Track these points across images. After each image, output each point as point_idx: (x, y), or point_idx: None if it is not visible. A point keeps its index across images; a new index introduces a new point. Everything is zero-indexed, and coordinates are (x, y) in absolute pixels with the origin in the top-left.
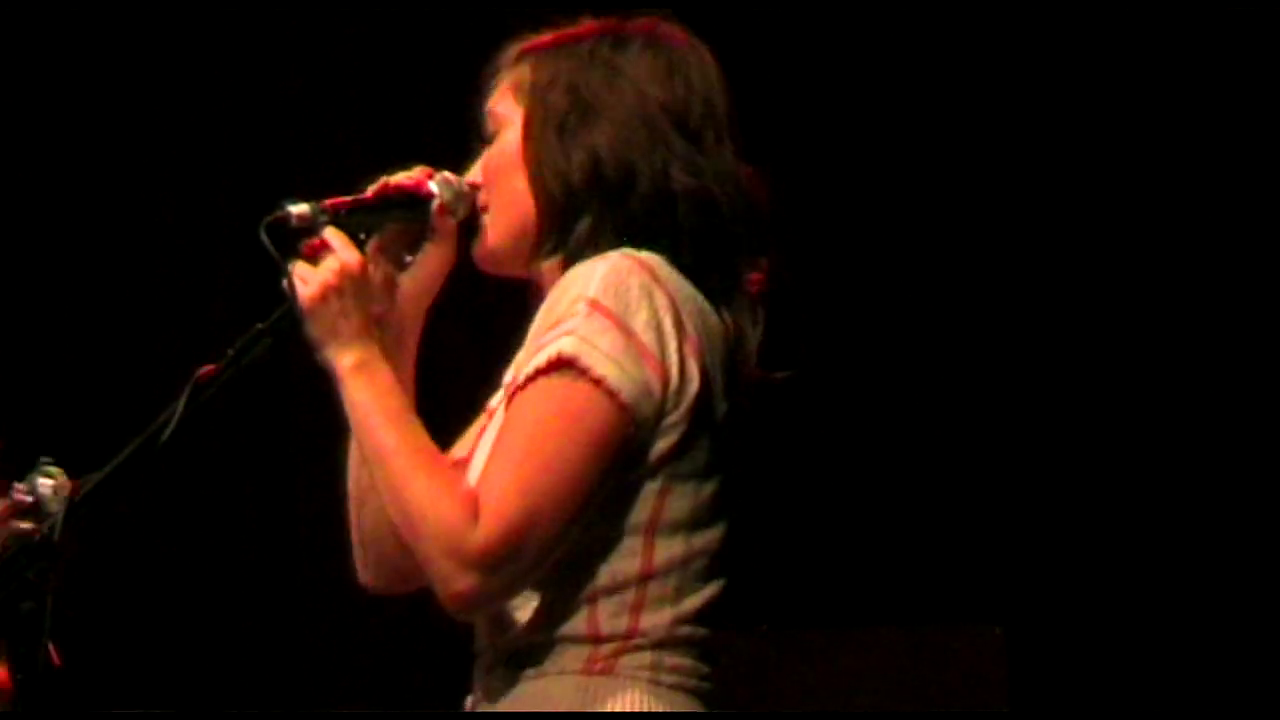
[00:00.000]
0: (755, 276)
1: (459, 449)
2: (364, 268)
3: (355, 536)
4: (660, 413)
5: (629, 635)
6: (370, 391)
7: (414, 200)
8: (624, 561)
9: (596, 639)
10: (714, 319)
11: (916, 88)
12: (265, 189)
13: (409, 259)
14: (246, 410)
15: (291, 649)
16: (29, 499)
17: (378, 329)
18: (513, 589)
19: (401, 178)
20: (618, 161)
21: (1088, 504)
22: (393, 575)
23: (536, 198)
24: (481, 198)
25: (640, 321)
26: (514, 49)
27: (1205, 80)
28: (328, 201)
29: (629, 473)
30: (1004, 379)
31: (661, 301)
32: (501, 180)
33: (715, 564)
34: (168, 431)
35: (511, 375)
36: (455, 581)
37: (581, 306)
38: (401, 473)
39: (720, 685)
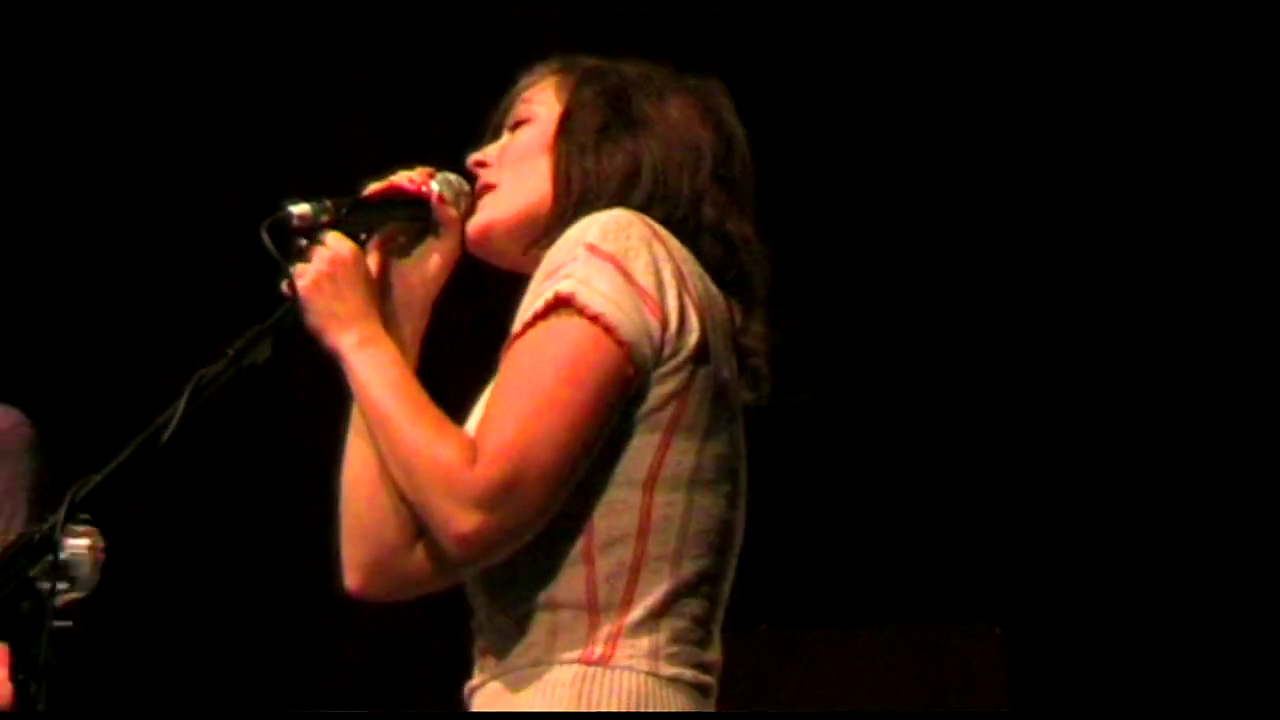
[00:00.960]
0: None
1: (469, 426)
2: (357, 256)
3: (346, 533)
4: (659, 356)
5: (626, 604)
6: (373, 363)
7: (415, 200)
8: (621, 515)
9: (593, 608)
10: (716, 290)
11: (918, 98)
12: (265, 189)
13: (411, 255)
14: (247, 411)
15: (291, 649)
16: (60, 555)
17: (380, 318)
18: (517, 530)
19: (403, 178)
20: (655, 176)
21: (1087, 504)
22: (384, 578)
23: (556, 190)
24: (489, 177)
25: (639, 265)
26: (561, 59)
27: (1205, 80)
28: (328, 201)
29: (626, 419)
30: (1003, 380)
31: (661, 252)
32: (522, 165)
33: (717, 532)
34: (168, 432)
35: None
36: (457, 522)
37: (580, 251)
38: (401, 428)
39: (721, 677)
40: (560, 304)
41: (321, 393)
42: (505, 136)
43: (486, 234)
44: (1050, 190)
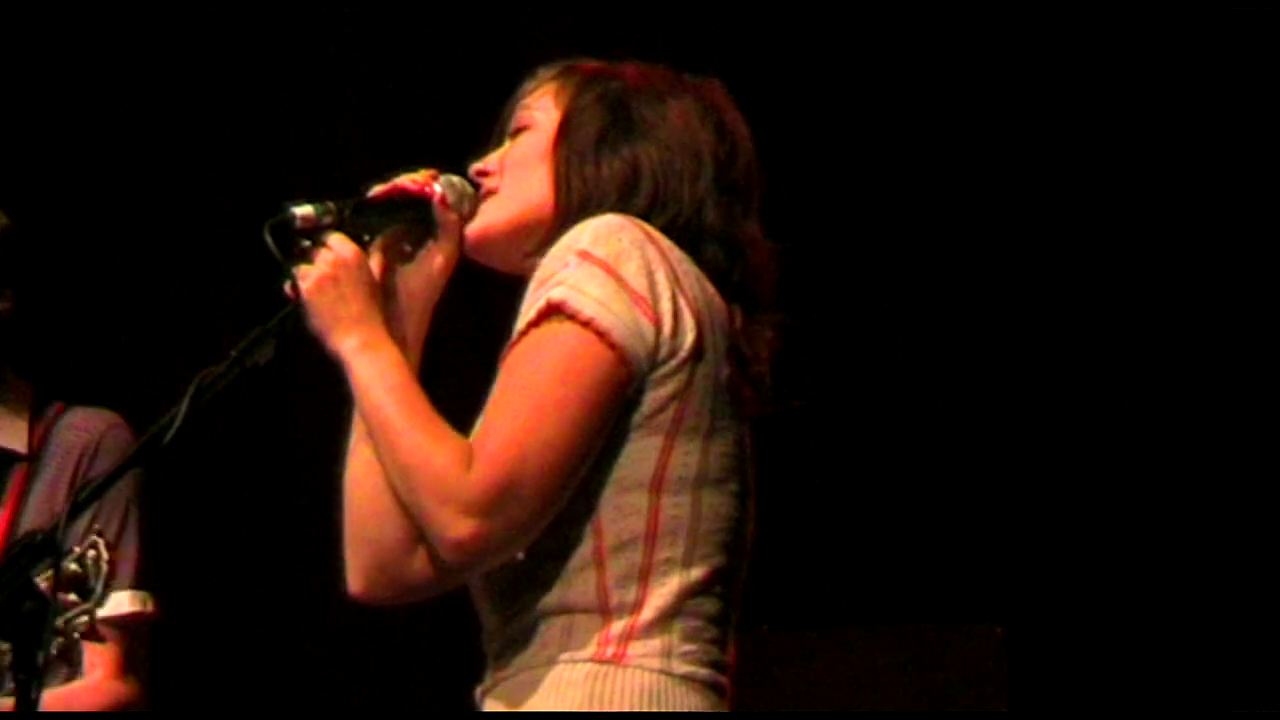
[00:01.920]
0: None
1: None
2: (360, 258)
3: (349, 537)
4: (654, 359)
5: (638, 606)
6: (374, 367)
7: (418, 202)
8: (630, 519)
9: (605, 610)
10: (713, 291)
11: (918, 101)
12: (265, 189)
13: (413, 258)
14: (249, 412)
15: (293, 650)
16: (77, 569)
17: (382, 321)
18: (512, 536)
19: (406, 180)
20: (654, 182)
21: (1088, 504)
22: (387, 582)
23: (556, 197)
24: (490, 183)
25: (631, 268)
26: (561, 64)
27: (1205, 80)
28: (331, 203)
29: (627, 422)
30: (1003, 380)
31: (654, 255)
32: (522, 172)
33: (727, 530)
34: (170, 433)
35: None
36: (452, 528)
37: (572, 258)
38: (399, 433)
39: (740, 673)
40: (552, 311)
41: (323, 394)
42: (507, 144)
43: (484, 240)
44: (1050, 191)
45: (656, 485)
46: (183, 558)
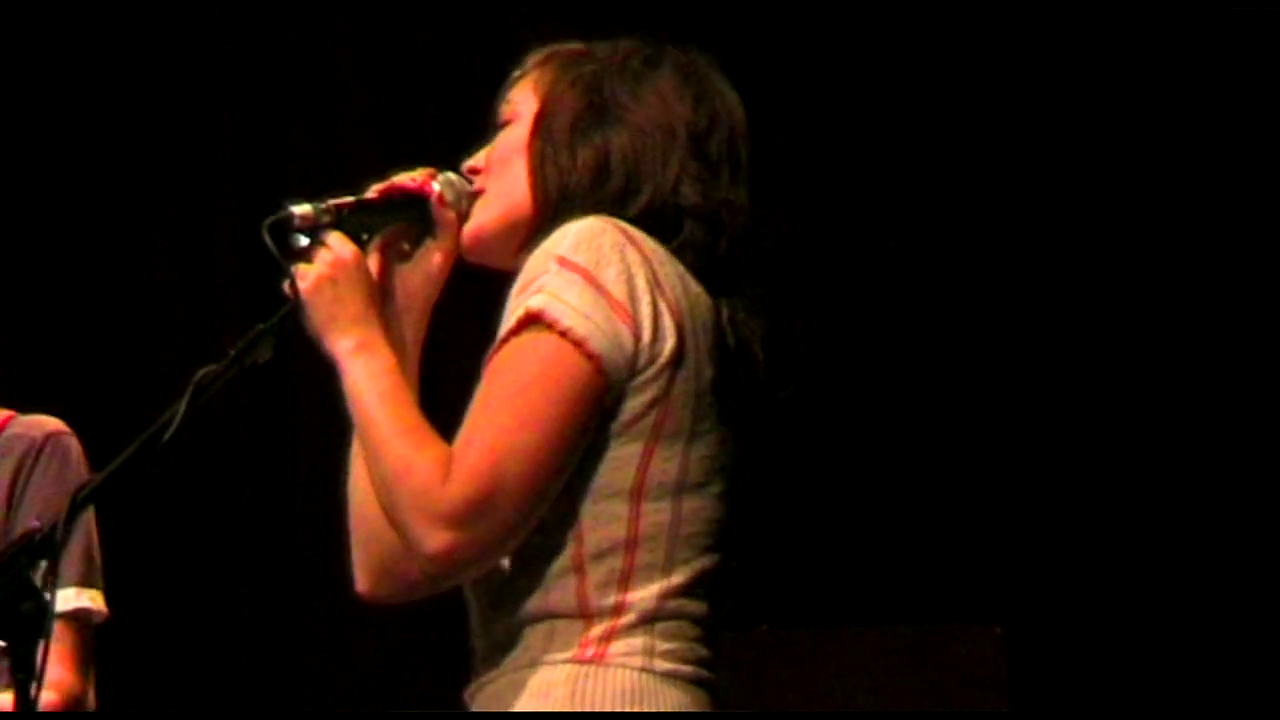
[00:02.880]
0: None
1: None
2: (359, 259)
3: (354, 537)
4: (633, 367)
5: (619, 609)
6: (366, 371)
7: (416, 201)
8: (610, 526)
9: (586, 615)
10: (697, 289)
11: (917, 89)
12: (265, 189)
13: (412, 257)
14: (248, 411)
15: (293, 649)
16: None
17: (380, 322)
18: (489, 548)
19: (405, 178)
20: (626, 167)
21: (1088, 504)
22: (391, 581)
23: (534, 190)
24: (480, 181)
25: (611, 275)
26: (544, 51)
27: (1205, 80)
28: (330, 202)
29: (606, 430)
30: (1003, 380)
31: (634, 258)
32: (503, 168)
33: (709, 533)
34: (169, 432)
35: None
36: (430, 540)
37: (552, 264)
38: (384, 441)
39: (721, 674)
40: (531, 320)
41: (323, 392)
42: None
43: (477, 242)
44: (1051, 187)
45: (636, 492)
46: (182, 558)
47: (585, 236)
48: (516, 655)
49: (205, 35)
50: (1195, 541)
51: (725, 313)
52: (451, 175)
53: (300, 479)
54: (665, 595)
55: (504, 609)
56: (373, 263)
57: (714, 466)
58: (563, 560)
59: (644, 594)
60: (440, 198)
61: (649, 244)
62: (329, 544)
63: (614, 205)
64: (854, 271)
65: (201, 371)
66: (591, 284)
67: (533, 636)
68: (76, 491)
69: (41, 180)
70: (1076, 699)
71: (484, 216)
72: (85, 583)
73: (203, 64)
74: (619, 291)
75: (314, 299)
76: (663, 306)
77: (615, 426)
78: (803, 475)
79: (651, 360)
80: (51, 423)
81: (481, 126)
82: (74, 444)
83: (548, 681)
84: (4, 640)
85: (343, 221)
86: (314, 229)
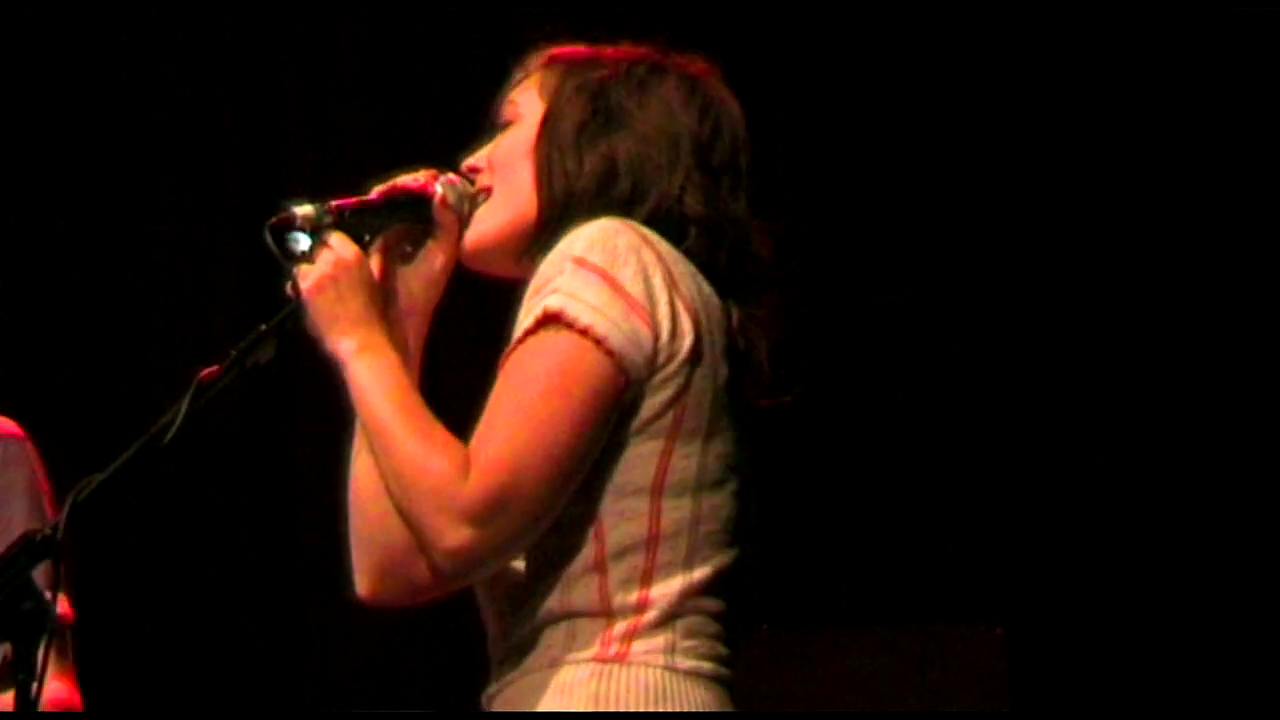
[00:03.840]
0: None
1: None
2: (361, 259)
3: (354, 539)
4: (652, 365)
5: (640, 607)
6: (372, 371)
7: (418, 202)
8: (631, 524)
9: (608, 613)
10: (709, 290)
11: (916, 90)
12: (265, 189)
13: (414, 259)
14: (249, 412)
15: (294, 650)
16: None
17: (383, 322)
18: (506, 546)
19: (407, 179)
20: (632, 175)
21: (1088, 504)
22: (393, 583)
23: (539, 196)
24: (481, 180)
25: (627, 274)
26: (548, 51)
27: (1205, 80)
28: (332, 202)
29: (626, 428)
30: (1004, 379)
31: (650, 258)
32: (508, 171)
33: (727, 530)
34: (170, 433)
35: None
36: (447, 537)
37: (568, 265)
38: (396, 438)
39: (741, 673)
40: (549, 319)
41: (324, 394)
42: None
43: (479, 251)
44: (1051, 185)
45: (657, 489)
46: (182, 558)
47: (600, 237)
48: (537, 655)
49: (205, 34)
50: (1195, 541)
51: (735, 315)
52: (454, 177)
53: (300, 479)
54: (686, 593)
55: (524, 609)
56: (374, 264)
57: (730, 464)
58: (584, 559)
59: (665, 591)
60: (442, 199)
61: (663, 244)
62: (329, 544)
63: (619, 212)
64: (854, 272)
65: (202, 373)
66: (609, 283)
67: (554, 636)
68: (77, 492)
69: (42, 180)
70: (1076, 699)
71: (488, 223)
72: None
73: (203, 63)
74: (636, 290)
75: (316, 299)
76: (680, 305)
77: (635, 424)
78: (803, 475)
79: (670, 358)
80: (6, 424)
81: (481, 126)
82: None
83: (570, 681)
84: (5, 640)
85: (344, 222)
86: (315, 230)
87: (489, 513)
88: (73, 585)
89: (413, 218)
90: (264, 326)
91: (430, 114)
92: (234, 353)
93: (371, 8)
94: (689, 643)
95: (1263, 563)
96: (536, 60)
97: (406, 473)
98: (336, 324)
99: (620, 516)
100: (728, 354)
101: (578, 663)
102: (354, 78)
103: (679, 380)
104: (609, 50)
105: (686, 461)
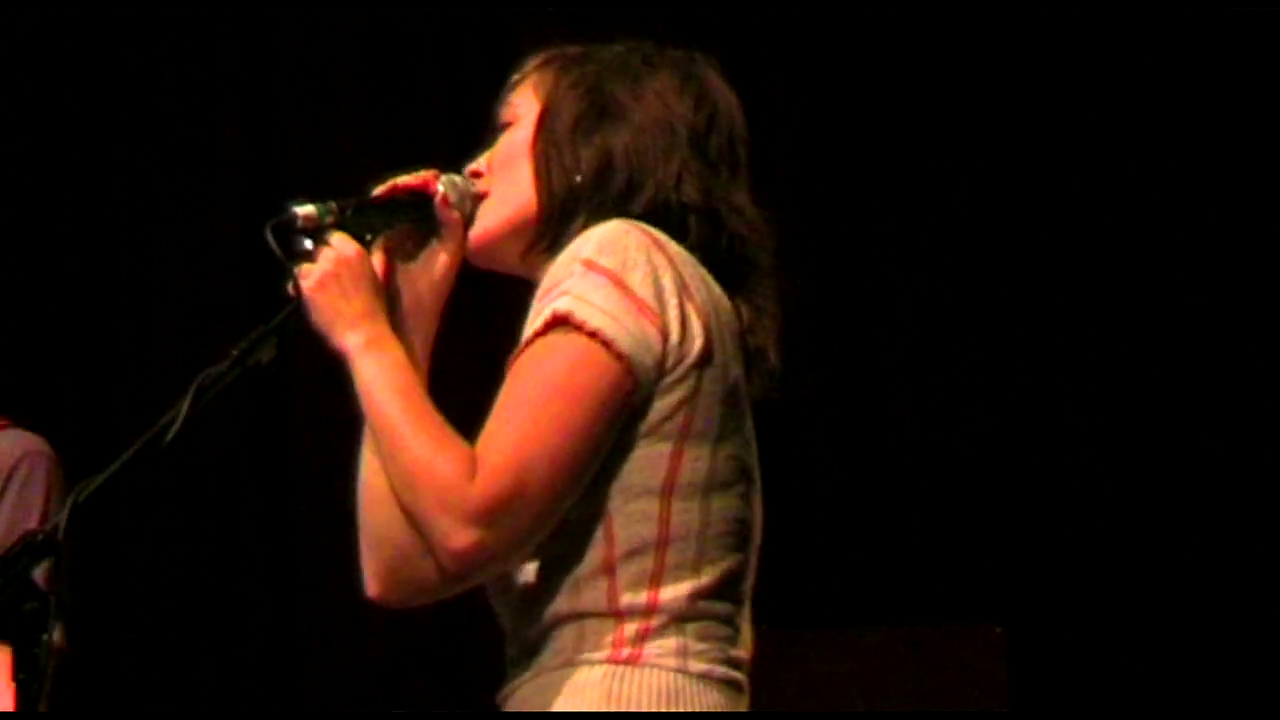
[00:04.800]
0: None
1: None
2: (363, 256)
3: (364, 539)
4: (662, 368)
5: (650, 609)
6: (377, 367)
7: (420, 201)
8: (641, 526)
9: (617, 614)
10: (719, 291)
11: (921, 93)
12: (265, 189)
13: (416, 259)
14: (250, 412)
15: (295, 650)
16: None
17: (386, 319)
18: (513, 547)
19: (408, 179)
20: (629, 166)
21: (1088, 504)
22: (403, 584)
23: (539, 192)
24: (482, 184)
25: (637, 277)
26: (544, 53)
27: (1206, 80)
28: (333, 202)
29: (635, 430)
30: (1003, 379)
31: (660, 260)
32: (507, 170)
33: (736, 533)
34: (171, 433)
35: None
36: (454, 538)
37: (577, 267)
38: (403, 437)
39: (753, 676)
40: (558, 321)
41: (325, 394)
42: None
43: (483, 247)
44: (1051, 185)
45: (667, 491)
46: (182, 558)
47: (610, 240)
48: (548, 656)
49: (205, 35)
50: (1195, 541)
51: (745, 315)
52: (455, 176)
53: (300, 479)
54: (696, 595)
55: (534, 611)
56: (377, 263)
57: (739, 466)
58: (593, 560)
59: (675, 593)
60: (444, 198)
61: (673, 246)
62: (329, 544)
63: (618, 203)
64: (854, 271)
65: (204, 372)
66: (618, 286)
67: (564, 637)
68: (77, 492)
69: (42, 181)
70: (1076, 699)
71: (490, 220)
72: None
73: (203, 64)
74: (646, 293)
75: (318, 296)
76: (690, 308)
77: (644, 426)
78: (803, 475)
79: (680, 360)
80: (31, 439)
81: (481, 127)
82: (45, 464)
83: (582, 682)
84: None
85: (346, 222)
86: (317, 230)
87: (495, 514)
88: (69, 613)
89: (414, 217)
90: (265, 327)
91: (430, 115)
92: (234, 353)
93: (371, 8)
94: (701, 646)
95: (1262, 563)
96: (533, 62)
97: (413, 473)
98: (341, 320)
99: (630, 518)
100: (739, 355)
101: (591, 663)
102: (354, 78)
103: (689, 383)
104: (603, 47)
105: (696, 464)
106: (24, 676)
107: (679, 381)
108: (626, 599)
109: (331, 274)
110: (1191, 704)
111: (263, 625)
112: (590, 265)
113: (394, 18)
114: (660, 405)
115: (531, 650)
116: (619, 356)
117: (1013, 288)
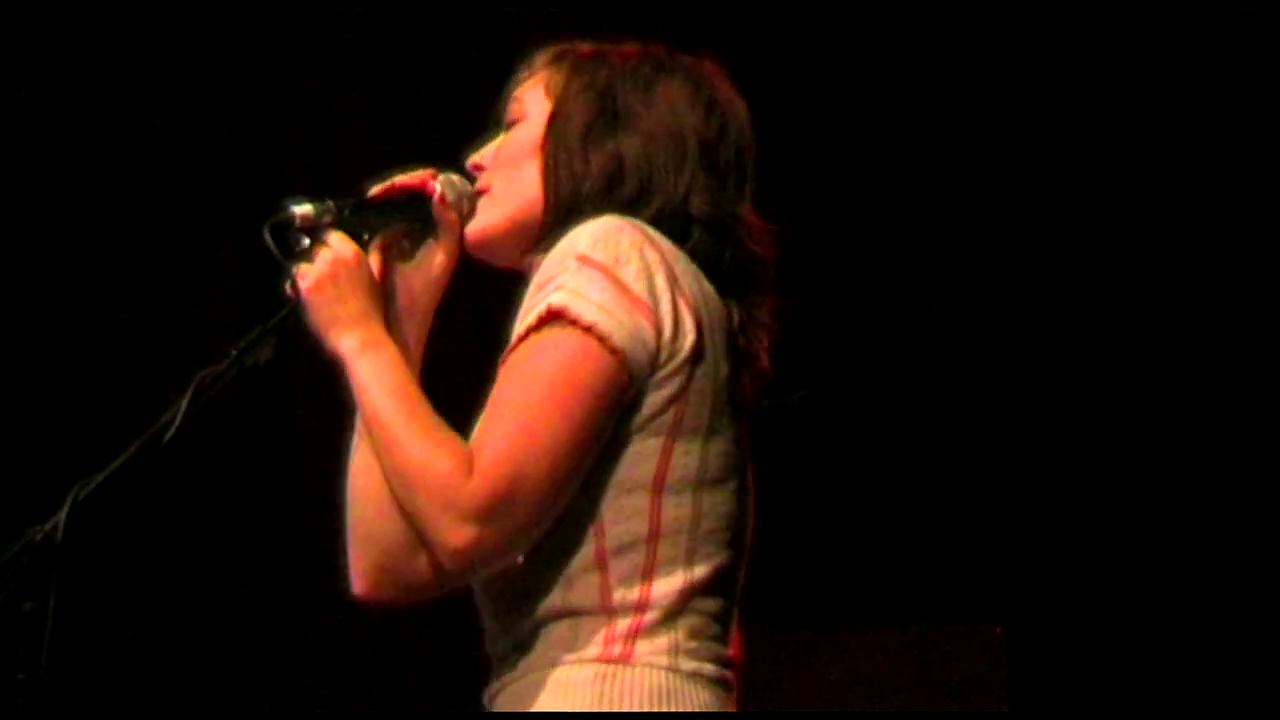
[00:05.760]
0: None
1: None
2: (360, 257)
3: (352, 537)
4: (655, 363)
5: (641, 605)
6: (374, 368)
7: (418, 200)
8: (632, 521)
9: (609, 611)
10: (710, 289)
11: (920, 97)
12: (265, 189)
13: (413, 257)
14: (249, 412)
15: (293, 650)
16: None
17: (382, 320)
18: (510, 544)
19: (406, 178)
20: (639, 174)
21: (1088, 503)
22: (391, 582)
23: (545, 193)
24: (484, 179)
25: (631, 272)
26: (554, 49)
27: (1205, 81)
28: (330, 201)
29: (627, 425)
30: (1003, 379)
31: (653, 257)
32: (513, 167)
33: (727, 529)
34: (170, 433)
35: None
36: (451, 535)
37: (571, 262)
38: (399, 437)
39: (743, 676)
40: (553, 316)
41: (323, 394)
42: (501, 135)
43: (483, 241)
44: (1050, 187)
45: (658, 486)
46: (182, 558)
47: (604, 235)
48: (539, 654)
49: (205, 35)
50: (1196, 541)
51: (736, 316)
52: (453, 175)
53: (300, 478)
54: (688, 590)
55: (525, 607)
56: (374, 263)
57: (730, 463)
58: (584, 556)
59: (668, 588)
60: (441, 198)
61: (665, 243)
62: (329, 544)
63: (625, 211)
64: (854, 271)
65: (202, 372)
66: (612, 281)
67: (554, 634)
68: (77, 491)
69: (41, 181)
70: (1076, 699)
71: (492, 215)
72: None
73: (202, 63)
74: (639, 288)
75: (315, 298)
76: (682, 303)
77: (636, 421)
78: (802, 475)
79: (672, 356)
80: None
81: (481, 126)
82: None
83: (573, 681)
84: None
85: (343, 221)
86: (315, 229)
87: (492, 511)
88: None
89: (412, 216)
90: (263, 326)
91: (430, 114)
92: (234, 352)
93: (371, 8)
94: (692, 644)
95: (1262, 562)
96: (542, 58)
97: (409, 471)
98: (337, 322)
99: (621, 513)
100: (729, 353)
101: (581, 662)
102: (354, 78)
103: (681, 378)
104: (614, 49)
105: (687, 459)
106: (24, 676)
107: (671, 377)
108: (619, 594)
109: (328, 275)
110: (1192, 703)
111: (263, 624)
112: (584, 260)
113: (394, 18)
114: (652, 400)
115: (522, 647)
116: (614, 351)
117: (1012, 288)
